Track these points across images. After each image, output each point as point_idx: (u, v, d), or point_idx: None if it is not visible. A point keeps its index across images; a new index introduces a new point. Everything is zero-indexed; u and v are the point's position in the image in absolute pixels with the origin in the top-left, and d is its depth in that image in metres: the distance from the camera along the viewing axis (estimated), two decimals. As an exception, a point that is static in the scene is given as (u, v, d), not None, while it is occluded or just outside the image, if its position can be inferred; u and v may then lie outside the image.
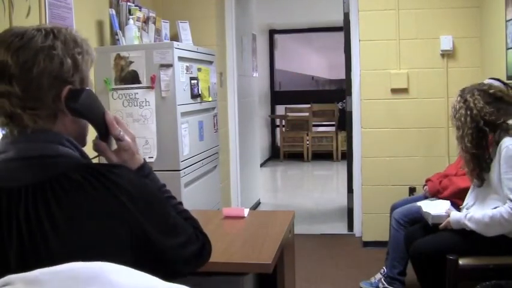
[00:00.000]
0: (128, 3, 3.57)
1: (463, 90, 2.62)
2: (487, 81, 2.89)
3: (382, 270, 3.34)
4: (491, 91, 2.55)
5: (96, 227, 1.02)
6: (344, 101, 6.72)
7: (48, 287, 0.73)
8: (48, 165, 1.06)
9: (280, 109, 10.02)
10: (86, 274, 0.76)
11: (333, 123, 9.35)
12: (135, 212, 1.06)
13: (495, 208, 2.42)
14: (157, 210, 1.14)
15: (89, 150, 1.20)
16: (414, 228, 2.97)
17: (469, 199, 2.67)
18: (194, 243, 1.22)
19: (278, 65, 10.23)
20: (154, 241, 1.10)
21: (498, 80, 3.02)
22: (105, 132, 1.22)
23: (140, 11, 3.64)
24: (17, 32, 1.07)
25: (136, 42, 3.43)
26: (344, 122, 5.58)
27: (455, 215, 2.58)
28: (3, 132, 1.10)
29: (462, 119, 2.53)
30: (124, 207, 1.05)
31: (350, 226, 4.67)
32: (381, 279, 3.29)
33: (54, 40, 1.08)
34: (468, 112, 2.51)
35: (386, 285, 3.21)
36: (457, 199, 2.92)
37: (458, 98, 2.60)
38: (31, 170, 1.05)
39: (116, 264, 0.80)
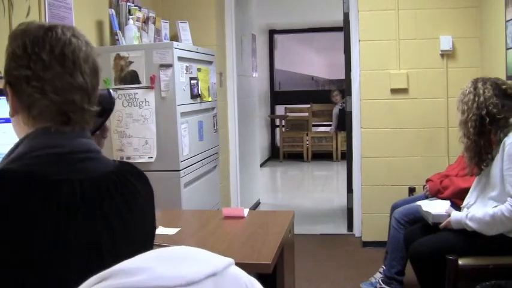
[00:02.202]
0: (128, 3, 3.57)
1: (477, 78, 2.65)
2: None
3: (381, 269, 3.33)
4: (503, 86, 2.58)
5: (142, 219, 1.15)
6: (344, 100, 6.72)
7: (152, 272, 0.72)
8: (105, 160, 1.13)
9: (280, 109, 10.02)
10: (179, 255, 0.78)
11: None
12: (154, 208, 1.21)
13: (495, 206, 2.42)
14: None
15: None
16: (413, 228, 2.97)
17: (470, 198, 2.67)
18: None
19: (278, 65, 10.23)
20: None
21: None
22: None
23: (140, 11, 3.64)
24: (72, 34, 1.10)
25: (136, 42, 3.43)
26: (343, 122, 5.58)
27: (456, 215, 2.58)
28: (44, 127, 1.08)
29: (469, 103, 2.56)
30: (152, 202, 1.19)
31: (350, 226, 4.67)
32: (380, 278, 3.29)
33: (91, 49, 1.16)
34: (476, 98, 2.55)
35: (383, 286, 3.20)
36: (457, 199, 2.92)
37: (469, 84, 2.63)
38: (92, 163, 1.09)
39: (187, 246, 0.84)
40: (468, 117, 2.55)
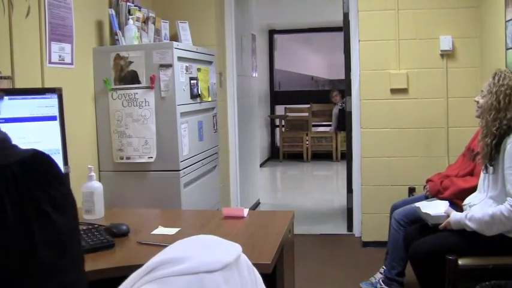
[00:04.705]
0: (128, 3, 3.57)
1: None
2: None
3: (382, 269, 3.33)
4: None
5: None
6: (343, 100, 6.72)
7: (195, 259, 0.79)
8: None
9: (280, 109, 10.02)
10: (208, 242, 0.88)
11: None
12: None
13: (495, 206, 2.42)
14: None
15: None
16: (413, 228, 2.97)
17: (473, 198, 2.65)
18: None
19: (278, 65, 10.23)
20: None
21: None
22: None
23: (140, 11, 3.64)
24: None
25: (135, 42, 3.43)
26: (343, 122, 5.58)
27: (455, 215, 2.58)
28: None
29: None
30: None
31: (349, 226, 4.67)
32: (380, 279, 3.29)
33: None
34: None
35: (384, 286, 3.20)
36: (458, 200, 2.91)
37: (510, 73, 2.55)
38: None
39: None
40: (508, 108, 2.45)
